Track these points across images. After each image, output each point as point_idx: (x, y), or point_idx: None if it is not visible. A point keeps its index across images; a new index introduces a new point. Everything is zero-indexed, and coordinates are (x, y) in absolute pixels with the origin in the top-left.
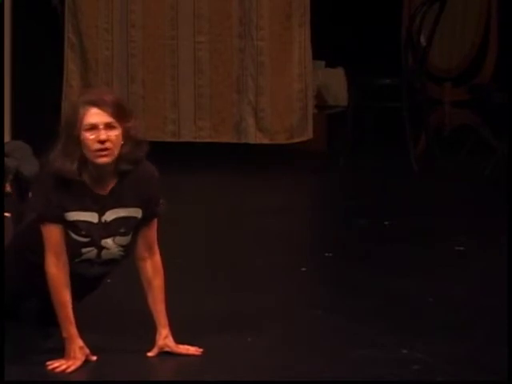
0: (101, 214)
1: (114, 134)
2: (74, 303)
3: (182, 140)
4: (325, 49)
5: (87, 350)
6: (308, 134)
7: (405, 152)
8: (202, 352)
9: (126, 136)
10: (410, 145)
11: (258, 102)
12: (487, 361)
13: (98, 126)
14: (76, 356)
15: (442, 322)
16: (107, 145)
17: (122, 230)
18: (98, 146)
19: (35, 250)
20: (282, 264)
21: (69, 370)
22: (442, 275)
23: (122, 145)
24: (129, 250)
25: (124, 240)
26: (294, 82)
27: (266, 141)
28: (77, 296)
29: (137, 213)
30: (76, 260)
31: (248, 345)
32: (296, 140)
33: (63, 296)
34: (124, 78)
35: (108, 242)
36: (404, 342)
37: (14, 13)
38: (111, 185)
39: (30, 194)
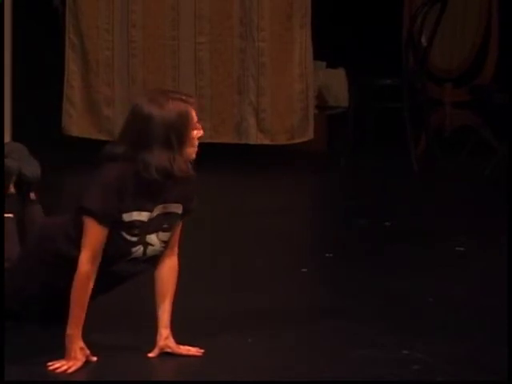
0: (152, 212)
1: None
2: (90, 302)
3: None
4: (326, 49)
5: (87, 351)
6: (309, 135)
7: (405, 152)
8: (202, 353)
9: None
10: (411, 145)
11: (258, 103)
12: (487, 361)
13: (198, 123)
14: (76, 356)
15: (442, 321)
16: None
17: (165, 226)
18: (197, 142)
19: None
20: (282, 264)
21: (69, 370)
22: (442, 275)
23: None
24: (167, 246)
25: (166, 236)
26: (295, 83)
27: (266, 141)
28: (100, 293)
29: (178, 208)
30: (125, 259)
31: (248, 345)
32: (297, 140)
33: (86, 296)
34: (125, 79)
35: (152, 237)
36: (404, 342)
37: (14, 13)
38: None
39: (33, 195)
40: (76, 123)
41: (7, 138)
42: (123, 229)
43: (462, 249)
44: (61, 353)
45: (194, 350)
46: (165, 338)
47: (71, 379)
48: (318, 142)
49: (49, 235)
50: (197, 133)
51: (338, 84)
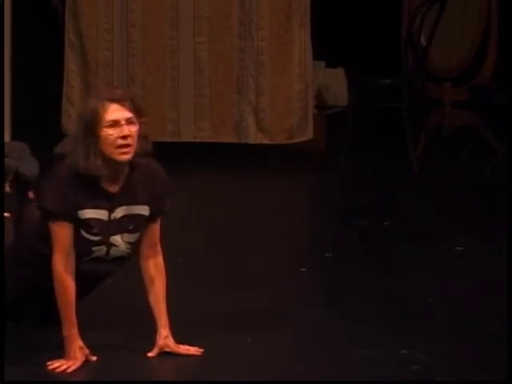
0: (111, 211)
1: (135, 129)
2: (77, 302)
3: (181, 140)
4: (325, 49)
5: (87, 350)
6: (308, 134)
7: (405, 152)
8: (201, 352)
9: (139, 132)
10: (410, 145)
11: (258, 102)
12: (487, 361)
13: (120, 122)
14: (76, 356)
15: (442, 322)
16: (129, 140)
17: (131, 227)
18: (121, 141)
19: (38, 252)
20: (281, 264)
21: (69, 370)
22: (442, 275)
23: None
24: (135, 247)
25: (132, 237)
26: (294, 83)
27: (266, 141)
28: (80, 294)
29: (145, 210)
30: (86, 258)
31: (248, 345)
32: (296, 140)
33: (68, 295)
34: (124, 79)
35: (117, 239)
36: (404, 342)
37: (14, 13)
38: (121, 182)
39: (31, 194)
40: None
41: (7, 138)
42: (81, 227)
43: (461, 248)
44: (60, 352)
45: (193, 350)
46: (164, 338)
47: (71, 379)
48: (318, 141)
49: (26, 234)
50: (116, 132)
51: (337, 84)
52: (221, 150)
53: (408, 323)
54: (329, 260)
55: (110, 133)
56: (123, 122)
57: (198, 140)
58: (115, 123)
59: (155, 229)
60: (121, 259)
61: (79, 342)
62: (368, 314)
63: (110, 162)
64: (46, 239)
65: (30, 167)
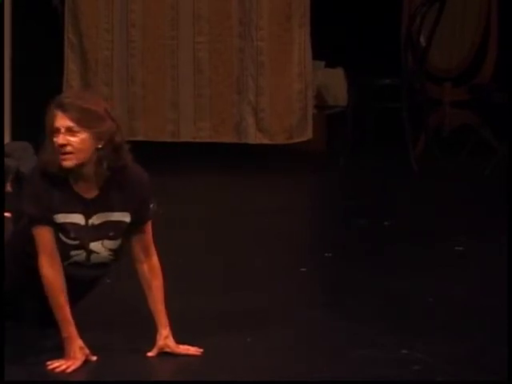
0: (87, 217)
1: (76, 138)
2: (70, 305)
3: (181, 140)
4: (324, 49)
5: (87, 350)
6: (308, 134)
7: (405, 152)
8: (201, 352)
9: (101, 140)
10: (410, 145)
11: (258, 102)
12: (487, 361)
13: (60, 130)
14: (76, 356)
15: (442, 321)
16: (67, 149)
17: (111, 234)
18: (59, 149)
19: (30, 254)
20: (281, 264)
21: (69, 370)
22: (442, 275)
23: (100, 149)
24: (119, 253)
25: (113, 244)
26: (294, 83)
27: (265, 141)
28: (71, 300)
29: (125, 217)
30: (65, 263)
31: (248, 345)
32: (296, 140)
33: (60, 297)
34: (124, 78)
35: (97, 245)
36: (404, 342)
37: (14, 13)
38: (97, 189)
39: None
40: None
41: (7, 138)
42: (59, 231)
43: (461, 248)
44: (60, 352)
45: (193, 350)
46: (164, 338)
47: (71, 379)
48: (317, 141)
49: (20, 235)
50: (56, 140)
51: (336, 84)
52: (221, 150)
53: (408, 323)
54: (329, 260)
55: (54, 139)
56: (63, 131)
57: (197, 140)
58: (57, 131)
59: (145, 234)
60: (103, 265)
61: (79, 342)
62: (368, 314)
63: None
64: (32, 246)
65: (30, 167)
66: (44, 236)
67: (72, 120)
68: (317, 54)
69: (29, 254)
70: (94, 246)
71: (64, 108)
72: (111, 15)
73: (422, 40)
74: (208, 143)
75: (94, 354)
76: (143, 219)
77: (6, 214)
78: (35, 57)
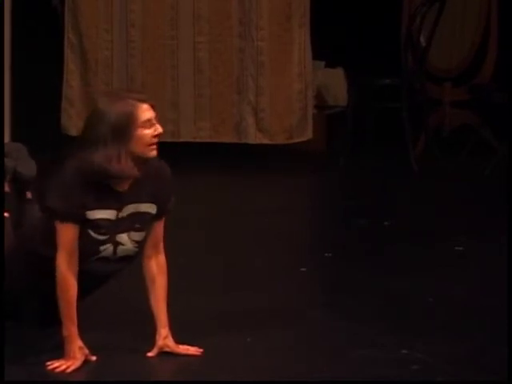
0: (119, 211)
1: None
2: (79, 301)
3: (181, 140)
4: (324, 49)
5: (87, 350)
6: (308, 134)
7: (405, 152)
8: (201, 352)
9: None
10: (410, 145)
11: (257, 102)
12: (487, 361)
13: (152, 121)
14: (75, 356)
15: (442, 322)
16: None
17: (137, 226)
18: (155, 140)
19: (38, 251)
20: (281, 264)
21: (68, 370)
22: (442, 275)
23: None
24: (142, 246)
25: (138, 236)
26: (294, 83)
27: (265, 141)
28: (83, 294)
29: (152, 208)
30: (93, 258)
31: (248, 345)
32: (296, 140)
33: (70, 295)
34: (124, 78)
35: (123, 237)
36: (404, 342)
37: (14, 13)
38: (130, 180)
39: (29, 194)
40: (75, 123)
41: (7, 138)
42: (89, 227)
43: (461, 248)
44: (60, 353)
45: (192, 350)
46: (164, 338)
47: (70, 379)
48: (317, 141)
49: (28, 235)
50: (151, 131)
51: (336, 84)
52: (221, 150)
53: (408, 323)
54: (329, 260)
55: (146, 132)
56: (154, 121)
57: (197, 140)
58: (149, 122)
59: (159, 228)
60: (127, 258)
61: (79, 342)
62: (368, 314)
63: (135, 161)
64: (50, 240)
65: (27, 167)
66: (68, 233)
67: (154, 109)
68: (317, 54)
69: (37, 254)
70: (121, 237)
71: (146, 100)
72: (111, 15)
73: (422, 40)
74: (208, 143)
75: (93, 354)
76: (164, 212)
77: (5, 214)
78: (35, 57)
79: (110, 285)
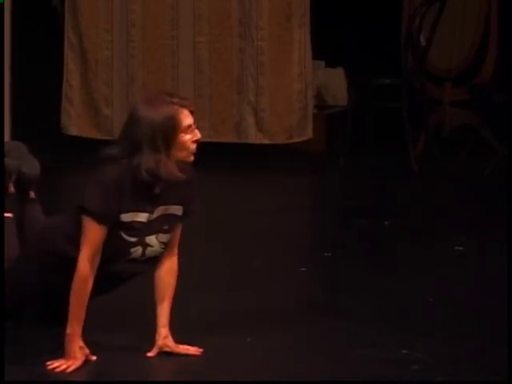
0: (151, 213)
1: None
2: (95, 298)
3: None
4: (325, 49)
5: (87, 350)
6: (308, 134)
7: (405, 152)
8: (201, 352)
9: None
10: (410, 145)
11: (258, 102)
12: (487, 361)
13: (192, 127)
14: (76, 356)
15: (442, 322)
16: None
17: (165, 227)
18: (194, 145)
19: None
20: (281, 264)
21: (69, 369)
22: (442, 275)
23: None
24: (167, 247)
25: (166, 237)
26: (294, 82)
27: (265, 141)
28: (100, 292)
29: (179, 210)
30: (124, 260)
31: (247, 345)
32: (296, 140)
33: (85, 294)
34: (124, 78)
35: (152, 239)
36: (404, 342)
37: (14, 13)
38: (163, 183)
39: (33, 194)
40: (75, 123)
41: (7, 138)
42: (122, 229)
43: (461, 248)
44: (61, 352)
45: (192, 350)
46: (164, 338)
47: (70, 379)
48: (317, 141)
49: (48, 236)
50: (191, 137)
51: (336, 83)
52: (221, 150)
53: (408, 323)
54: (329, 260)
55: (187, 137)
56: (194, 127)
57: None
58: (189, 128)
59: (179, 230)
60: (154, 259)
61: (79, 342)
62: (368, 314)
63: (177, 165)
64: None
65: (32, 166)
66: (96, 234)
67: (193, 115)
68: (317, 54)
69: (53, 252)
70: (150, 239)
71: (187, 105)
72: (111, 15)
73: (422, 40)
74: (208, 143)
75: (93, 354)
76: (189, 214)
77: (8, 214)
78: (35, 57)
79: None
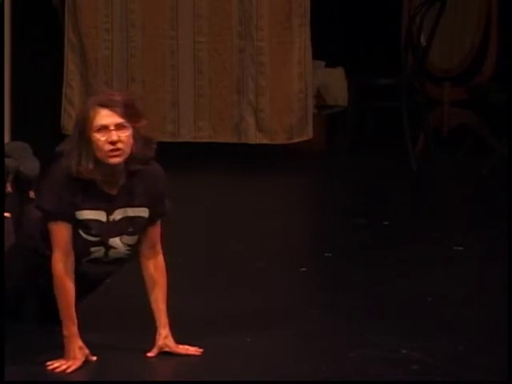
0: (109, 213)
1: (125, 134)
2: (76, 304)
3: (181, 140)
4: (325, 49)
5: (87, 350)
6: (308, 134)
7: (404, 152)
8: (201, 352)
9: (137, 135)
10: (410, 145)
11: (257, 102)
12: (487, 361)
13: (109, 127)
14: (76, 356)
15: (442, 322)
16: (118, 145)
17: (130, 230)
18: (110, 146)
19: (39, 251)
20: (281, 264)
21: (69, 370)
22: (442, 275)
23: (133, 144)
24: (135, 249)
25: (131, 239)
26: (294, 82)
27: (265, 141)
28: (78, 296)
29: (144, 212)
30: (84, 259)
31: (247, 345)
32: (296, 140)
33: (68, 294)
34: (124, 78)
35: (116, 241)
36: (404, 342)
37: (14, 13)
38: (120, 184)
39: (32, 193)
40: None
41: (7, 138)
42: (80, 228)
43: (461, 248)
44: (60, 352)
45: (192, 350)
46: (164, 338)
47: (70, 379)
48: (317, 141)
49: (28, 233)
50: (105, 138)
51: (336, 83)
52: (221, 150)
53: (408, 323)
54: (329, 260)
55: (99, 138)
56: (112, 128)
57: (197, 140)
58: (104, 128)
59: (155, 230)
60: (120, 261)
61: (79, 342)
62: (368, 314)
63: (102, 165)
64: (47, 239)
65: (30, 166)
66: (61, 232)
67: (121, 116)
68: (317, 54)
69: (37, 252)
70: (113, 241)
71: (111, 105)
72: (111, 15)
73: (423, 40)
74: (208, 143)
75: (93, 354)
76: (159, 215)
77: (6, 214)
78: (35, 57)
79: (110, 285)
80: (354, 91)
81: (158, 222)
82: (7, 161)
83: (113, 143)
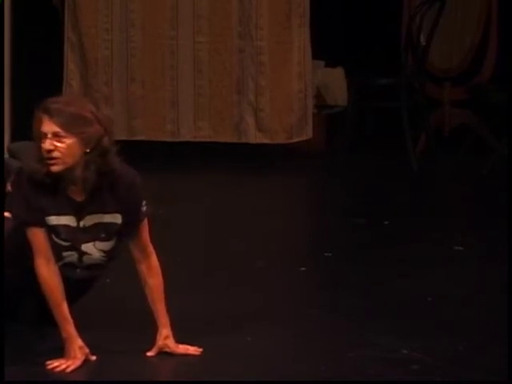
0: (79, 219)
1: (63, 144)
2: (69, 304)
3: (181, 140)
4: (324, 49)
5: (87, 350)
6: (307, 134)
7: (404, 152)
8: (201, 352)
9: (89, 144)
10: (410, 145)
11: (257, 102)
12: (487, 361)
13: (47, 135)
14: (76, 356)
15: (442, 322)
16: (54, 154)
17: (103, 236)
18: (45, 154)
19: (27, 255)
20: (281, 263)
21: (68, 369)
22: (441, 275)
23: (87, 153)
24: (112, 255)
25: (105, 245)
26: (294, 82)
27: (265, 140)
28: (67, 301)
29: (116, 218)
30: (59, 263)
31: (247, 345)
32: (296, 140)
33: (57, 296)
34: (123, 78)
35: (88, 246)
36: (404, 342)
37: (14, 13)
38: (87, 191)
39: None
40: None
41: (7, 138)
42: (52, 232)
43: (461, 248)
44: (60, 353)
45: (192, 349)
46: (164, 338)
47: (71, 379)
48: (317, 141)
49: (12, 239)
50: (43, 145)
51: (336, 83)
52: (221, 150)
53: (408, 323)
54: (329, 260)
55: (40, 144)
56: (49, 136)
57: (197, 140)
58: (43, 135)
59: (140, 233)
60: (96, 266)
61: (79, 342)
62: (368, 314)
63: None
64: (22, 249)
65: None
66: (37, 237)
67: (58, 125)
68: (317, 54)
69: (26, 254)
70: (86, 247)
71: (51, 113)
72: (111, 15)
73: (422, 40)
74: (208, 143)
75: (93, 354)
76: (135, 220)
77: (6, 214)
78: (35, 57)
79: (110, 284)
80: (353, 91)
81: (143, 226)
82: (10, 161)
83: (48, 151)
